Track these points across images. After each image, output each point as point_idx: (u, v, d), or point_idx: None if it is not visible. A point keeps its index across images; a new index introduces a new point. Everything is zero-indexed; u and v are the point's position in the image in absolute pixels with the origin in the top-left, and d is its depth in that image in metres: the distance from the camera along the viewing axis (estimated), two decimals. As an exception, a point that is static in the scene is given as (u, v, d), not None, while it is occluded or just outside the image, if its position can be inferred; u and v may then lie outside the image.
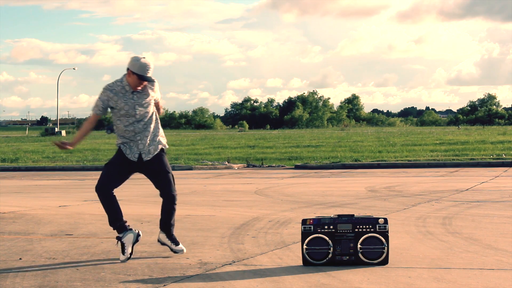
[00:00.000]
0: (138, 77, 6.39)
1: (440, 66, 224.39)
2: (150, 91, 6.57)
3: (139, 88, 6.47)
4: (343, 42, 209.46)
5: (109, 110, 6.59)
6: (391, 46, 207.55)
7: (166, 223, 6.63)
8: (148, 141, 6.51)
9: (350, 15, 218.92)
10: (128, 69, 6.43)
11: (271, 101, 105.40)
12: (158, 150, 6.56)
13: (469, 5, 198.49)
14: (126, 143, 6.52)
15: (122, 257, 6.37)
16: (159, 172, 6.55)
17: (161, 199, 6.67)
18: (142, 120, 6.51)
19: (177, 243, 6.63)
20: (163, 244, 6.67)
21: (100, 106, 6.49)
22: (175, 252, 6.61)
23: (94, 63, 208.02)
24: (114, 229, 6.56)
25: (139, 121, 6.50)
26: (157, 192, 6.65)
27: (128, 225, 6.55)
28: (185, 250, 6.64)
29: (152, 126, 6.58)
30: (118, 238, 6.45)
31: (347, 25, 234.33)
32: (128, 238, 6.45)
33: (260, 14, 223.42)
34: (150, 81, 6.49)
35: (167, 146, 6.70)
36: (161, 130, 6.69)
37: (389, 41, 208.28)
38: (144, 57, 6.42)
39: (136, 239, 6.52)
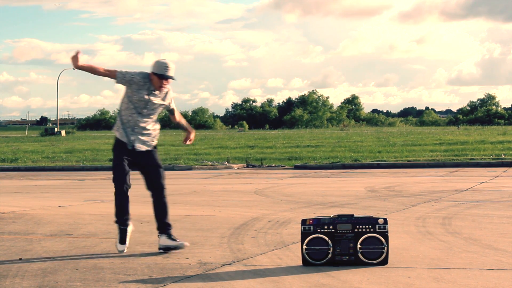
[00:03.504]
0: (158, 77, 6.62)
1: (440, 66, 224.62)
2: (167, 98, 6.82)
3: (162, 88, 6.70)
4: (345, 42, 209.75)
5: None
6: (392, 46, 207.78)
7: (162, 219, 6.70)
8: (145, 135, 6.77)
9: (352, 15, 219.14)
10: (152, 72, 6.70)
11: (270, 101, 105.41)
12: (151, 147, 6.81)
13: (471, 5, 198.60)
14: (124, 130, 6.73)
15: (121, 247, 6.64)
16: (150, 165, 6.77)
17: None
18: (148, 116, 6.76)
19: (176, 239, 6.70)
20: (166, 249, 6.65)
21: (125, 76, 6.63)
22: (179, 247, 6.63)
23: (95, 63, 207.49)
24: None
25: (145, 115, 6.73)
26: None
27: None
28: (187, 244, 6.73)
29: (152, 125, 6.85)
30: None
31: (349, 25, 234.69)
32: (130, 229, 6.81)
33: (261, 14, 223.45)
34: (171, 78, 6.66)
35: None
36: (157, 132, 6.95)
37: (390, 41, 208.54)
38: (164, 59, 6.71)
39: None
